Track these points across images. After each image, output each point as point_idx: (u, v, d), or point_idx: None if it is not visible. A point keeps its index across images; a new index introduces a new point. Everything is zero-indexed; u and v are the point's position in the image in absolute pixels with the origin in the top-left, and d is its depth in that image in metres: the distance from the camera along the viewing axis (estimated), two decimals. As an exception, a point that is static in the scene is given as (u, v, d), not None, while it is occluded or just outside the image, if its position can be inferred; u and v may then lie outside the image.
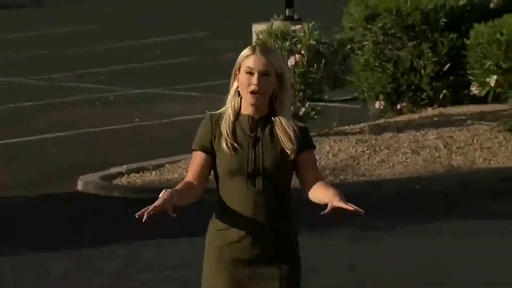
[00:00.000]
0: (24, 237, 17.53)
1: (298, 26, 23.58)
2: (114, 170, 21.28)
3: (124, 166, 21.36)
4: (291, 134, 6.01)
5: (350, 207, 5.12)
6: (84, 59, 40.26)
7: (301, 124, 6.40)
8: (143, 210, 5.22)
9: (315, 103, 19.87)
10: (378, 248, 15.19)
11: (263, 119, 6.07)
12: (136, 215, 5.35)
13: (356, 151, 20.14)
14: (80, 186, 20.39)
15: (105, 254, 16.38)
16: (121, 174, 21.26)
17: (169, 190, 5.75)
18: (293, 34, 22.63)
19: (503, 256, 14.57)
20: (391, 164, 20.64)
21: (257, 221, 6.02)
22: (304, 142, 6.10)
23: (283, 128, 6.16)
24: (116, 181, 20.91)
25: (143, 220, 5.22)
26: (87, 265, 16.07)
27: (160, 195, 5.57)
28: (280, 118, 6.15)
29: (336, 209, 5.06)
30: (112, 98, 30.75)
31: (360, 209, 5.11)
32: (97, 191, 20.34)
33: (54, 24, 50.37)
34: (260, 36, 24.59)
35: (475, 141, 22.68)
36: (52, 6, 59.22)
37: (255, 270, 6.11)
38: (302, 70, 19.13)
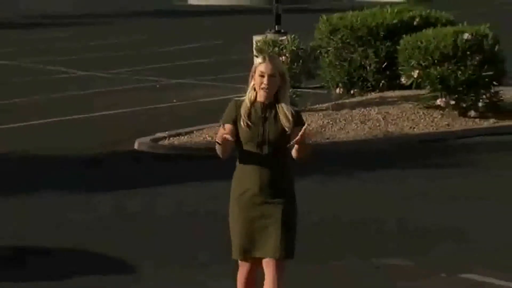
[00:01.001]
0: (101, 177, 18.40)
1: (284, 37, 24.95)
2: (159, 135, 21.96)
3: (166, 132, 22.16)
4: (289, 116, 7.54)
5: (300, 135, 7.11)
6: (141, 59, 40.82)
7: (296, 108, 8.19)
8: (219, 137, 7.32)
9: (295, 89, 20.33)
10: (337, 191, 15.44)
11: (270, 104, 7.60)
12: (218, 140, 7.35)
13: (323, 122, 20.96)
14: (136, 146, 21.14)
15: (155, 190, 17.10)
16: (163, 137, 21.89)
17: (227, 133, 7.46)
18: (280, 43, 23.78)
19: (426, 194, 15.29)
20: (347, 131, 21.54)
21: (263, 174, 7.59)
22: (297, 121, 7.60)
23: (283, 112, 7.69)
24: (160, 142, 21.69)
25: (221, 142, 7.23)
26: (147, 198, 16.74)
27: (224, 129, 7.47)
28: (282, 104, 7.71)
29: (298, 143, 7.06)
30: (158, 86, 30.49)
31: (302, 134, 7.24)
32: (147, 149, 21.26)
33: (120, 35, 51.34)
34: (258, 44, 25.33)
35: (404, 115, 23.63)
36: (119, 23, 59.63)
37: (264, 206, 7.62)
38: (286, 67, 18.00)
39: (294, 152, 7.69)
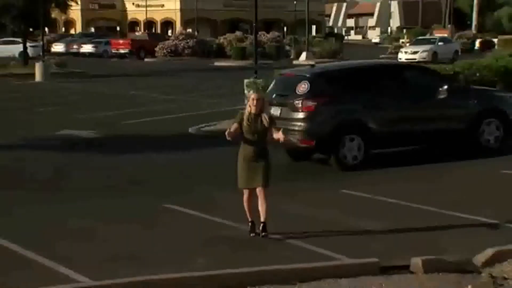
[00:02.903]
0: (178, 143, 26.39)
1: (259, 80, 32.33)
2: (199, 126, 30.04)
3: (202, 125, 30.43)
4: (267, 119, 13.25)
5: (278, 138, 13.51)
6: (194, 90, 47.71)
7: (270, 115, 13.72)
8: (228, 133, 13.37)
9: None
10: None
11: (257, 114, 13.25)
12: (227, 136, 13.31)
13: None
14: (190, 131, 29.39)
15: (199, 149, 24.68)
16: (202, 127, 29.97)
17: (234, 126, 13.61)
18: (258, 83, 31.17)
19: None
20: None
21: (254, 148, 13.47)
22: (271, 123, 13.41)
23: (264, 117, 13.23)
24: (203, 129, 29.74)
25: (229, 137, 13.30)
26: (195, 151, 24.36)
27: (231, 128, 13.58)
28: (263, 114, 13.28)
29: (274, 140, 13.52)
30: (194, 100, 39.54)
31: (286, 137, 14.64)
32: (195, 133, 29.27)
33: (182, 80, 58.28)
34: (247, 84, 33.61)
35: None
36: (169, 75, 65.84)
37: (254, 163, 13.41)
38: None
39: (268, 139, 13.60)
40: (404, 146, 22.87)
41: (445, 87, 22.80)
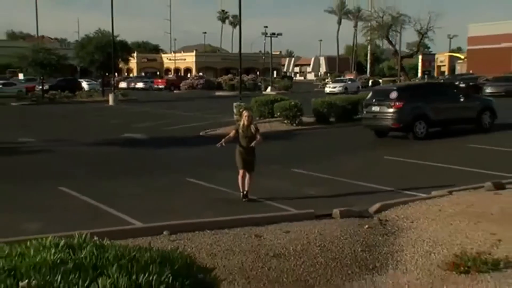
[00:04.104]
0: (192, 142, 25.22)
1: (243, 103, 31.42)
2: (207, 130, 28.12)
3: (208, 130, 28.50)
4: (254, 129, 12.95)
5: (255, 143, 12.83)
6: (202, 107, 47.23)
7: (257, 126, 13.43)
8: (222, 141, 13.21)
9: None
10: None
11: (248, 125, 12.92)
12: (218, 144, 13.24)
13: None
14: (201, 133, 27.84)
15: (207, 146, 21.58)
16: (208, 131, 28.00)
17: (234, 128, 13.27)
18: (242, 106, 29.83)
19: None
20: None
21: (246, 148, 12.89)
22: (257, 131, 12.95)
23: (253, 127, 12.95)
24: (208, 133, 27.81)
25: (221, 144, 13.19)
26: (205, 148, 22.50)
27: (227, 136, 13.27)
28: (251, 125, 12.96)
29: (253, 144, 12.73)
30: (202, 115, 36.46)
31: (257, 142, 12.88)
32: (204, 135, 27.47)
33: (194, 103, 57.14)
34: (235, 106, 32.90)
35: (269, 125, 29.77)
36: (187, 100, 65.47)
37: (246, 156, 12.92)
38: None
39: (254, 143, 12.83)
40: (446, 127, 26.18)
41: (463, 95, 27.10)
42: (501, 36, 74.35)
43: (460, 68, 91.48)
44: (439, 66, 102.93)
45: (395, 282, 7.62)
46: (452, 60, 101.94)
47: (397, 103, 24.67)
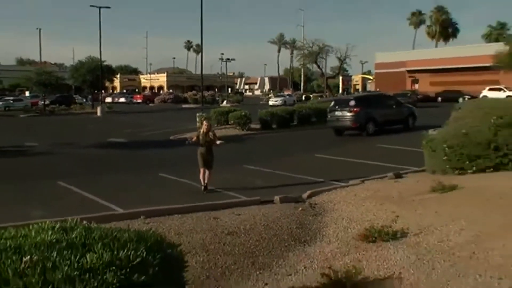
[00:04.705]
0: (165, 144, 24.29)
1: (204, 114, 29.50)
2: (175, 135, 27.06)
3: (177, 135, 27.36)
4: (212, 134, 12.83)
5: (218, 143, 12.82)
6: (179, 120, 47.10)
7: (215, 132, 13.45)
8: (188, 138, 13.38)
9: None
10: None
11: (207, 131, 12.66)
12: (186, 142, 13.40)
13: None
14: (170, 138, 26.63)
15: (174, 147, 22.05)
16: (176, 136, 26.97)
17: (196, 135, 12.96)
18: (203, 116, 26.58)
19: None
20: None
21: (205, 150, 12.60)
22: (214, 136, 12.83)
23: (211, 133, 12.79)
24: (177, 137, 26.33)
25: (188, 142, 13.13)
26: (172, 148, 22.62)
27: (193, 136, 13.08)
28: (210, 132, 12.71)
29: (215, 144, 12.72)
30: (172, 123, 34.81)
31: (221, 142, 12.96)
32: (173, 139, 26.13)
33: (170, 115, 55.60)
34: (198, 115, 31.44)
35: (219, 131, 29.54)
36: (160, 112, 60.73)
37: (205, 157, 12.57)
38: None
39: (218, 142, 12.78)
40: (387, 126, 26.96)
41: (398, 103, 28.96)
42: (399, 63, 76.18)
43: (370, 86, 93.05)
44: (355, 85, 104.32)
45: (321, 251, 7.72)
46: (364, 80, 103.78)
47: (355, 109, 26.17)
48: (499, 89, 54.77)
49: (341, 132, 26.76)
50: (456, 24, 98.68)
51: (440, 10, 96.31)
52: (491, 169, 12.00)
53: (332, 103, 28.76)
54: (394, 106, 28.41)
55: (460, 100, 43.14)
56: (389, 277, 6.08)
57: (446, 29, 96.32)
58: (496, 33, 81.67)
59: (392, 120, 27.64)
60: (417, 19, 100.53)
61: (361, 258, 6.95)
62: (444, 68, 68.90)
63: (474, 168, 12.17)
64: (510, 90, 54.19)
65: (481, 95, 51.00)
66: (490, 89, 55.09)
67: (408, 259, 6.63)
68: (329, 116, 27.93)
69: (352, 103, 26.74)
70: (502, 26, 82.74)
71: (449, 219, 8.21)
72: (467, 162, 12.27)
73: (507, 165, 11.97)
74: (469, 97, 50.19)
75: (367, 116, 26.31)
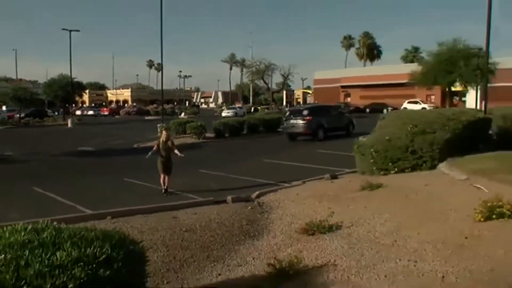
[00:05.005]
0: (130, 150, 23.75)
1: (163, 125, 24.41)
2: (139, 144, 25.92)
3: (140, 143, 26.04)
4: (171, 143, 12.39)
5: (179, 155, 12.30)
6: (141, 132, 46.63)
7: (173, 141, 12.89)
8: (149, 153, 12.51)
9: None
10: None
11: (166, 140, 12.27)
12: (147, 156, 12.63)
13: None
14: (134, 146, 25.66)
15: (138, 156, 18.20)
16: (139, 144, 25.82)
17: (156, 143, 12.62)
18: (163, 126, 21.99)
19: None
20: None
21: (165, 157, 12.28)
22: (173, 145, 12.42)
23: (169, 142, 12.35)
24: (140, 145, 25.40)
25: (150, 153, 12.67)
26: (135, 156, 22.05)
27: (154, 145, 12.89)
28: (169, 141, 12.35)
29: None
30: (135, 132, 34.50)
31: (181, 155, 12.40)
32: (136, 147, 25.44)
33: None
34: (159, 126, 30.29)
35: (186, 140, 27.82)
36: (125, 123, 59.98)
37: (165, 164, 12.22)
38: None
39: (176, 152, 12.31)
40: (333, 133, 27.29)
41: (341, 113, 30.30)
42: (334, 79, 78.07)
43: (310, 100, 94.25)
44: (297, 98, 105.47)
45: (267, 244, 7.75)
46: (305, 94, 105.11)
47: (308, 118, 26.63)
48: (416, 102, 57.38)
49: (295, 137, 26.85)
50: (380, 47, 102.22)
51: (367, 35, 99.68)
52: (409, 169, 12.38)
53: (287, 113, 29.24)
54: (338, 115, 29.22)
55: (385, 111, 44.85)
56: (325, 264, 6.16)
57: (372, 51, 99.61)
58: (411, 55, 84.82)
59: (336, 127, 27.98)
60: (348, 42, 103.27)
61: (302, 249, 6.99)
62: (372, 84, 71.23)
63: (395, 169, 12.51)
64: (424, 103, 56.70)
65: (402, 107, 53.01)
66: (409, 102, 57.61)
67: (341, 248, 6.74)
68: (284, 124, 28.32)
69: (305, 112, 27.20)
70: (416, 49, 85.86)
71: (376, 212, 8.39)
72: (390, 164, 12.60)
73: (421, 166, 12.41)
74: (392, 108, 52.20)
75: (318, 123, 26.73)
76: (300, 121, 26.80)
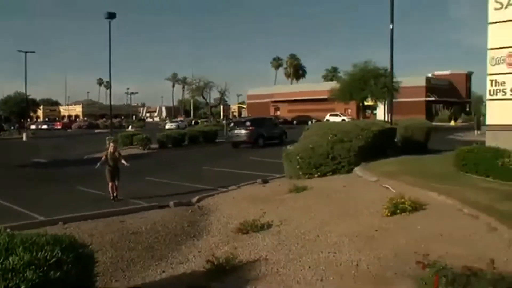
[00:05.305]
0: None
1: (112, 138, 24.81)
2: (89, 155, 25.03)
3: (90, 154, 25.08)
4: (118, 153, 12.01)
5: (125, 164, 11.94)
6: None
7: (120, 152, 12.39)
8: (98, 164, 11.83)
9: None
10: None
11: (114, 151, 11.86)
12: (96, 166, 11.98)
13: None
14: (84, 157, 25.03)
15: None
16: (89, 155, 24.45)
17: (104, 154, 11.89)
18: (111, 139, 22.47)
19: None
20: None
21: (113, 167, 11.84)
22: (120, 155, 12.02)
23: (117, 153, 11.97)
24: (90, 156, 23.91)
25: (99, 164, 11.98)
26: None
27: (102, 155, 12.04)
28: (117, 151, 11.96)
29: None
30: (85, 145, 32.62)
31: (127, 165, 11.99)
32: (86, 158, 23.78)
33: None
34: (107, 138, 27.43)
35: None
36: (76, 136, 59.21)
37: (113, 173, 11.67)
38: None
39: (123, 162, 12.02)
40: (271, 141, 27.47)
41: (276, 124, 31.95)
42: (265, 95, 79.89)
43: (245, 113, 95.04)
44: (233, 112, 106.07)
45: (206, 243, 7.75)
46: (240, 108, 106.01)
47: (250, 128, 27.29)
48: (336, 115, 59.63)
49: (238, 145, 27.20)
50: (305, 67, 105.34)
51: (293, 57, 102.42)
52: (330, 173, 12.67)
53: (232, 124, 30.58)
54: (274, 126, 30.39)
55: (309, 123, 45.54)
56: (258, 259, 6.23)
57: (298, 71, 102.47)
58: (331, 75, 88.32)
59: (273, 136, 28.56)
60: (277, 62, 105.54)
61: (238, 246, 7.02)
62: (298, 99, 73.27)
63: (318, 173, 12.75)
64: (344, 115, 59.20)
65: (325, 119, 54.70)
66: (331, 115, 59.82)
67: (272, 244, 6.83)
68: (229, 133, 29.13)
69: (248, 123, 28.03)
70: (335, 69, 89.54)
71: (302, 212, 8.55)
72: (314, 169, 12.83)
73: (340, 170, 12.74)
74: (315, 120, 53.55)
75: (258, 133, 27.35)
76: (243, 131, 27.36)
